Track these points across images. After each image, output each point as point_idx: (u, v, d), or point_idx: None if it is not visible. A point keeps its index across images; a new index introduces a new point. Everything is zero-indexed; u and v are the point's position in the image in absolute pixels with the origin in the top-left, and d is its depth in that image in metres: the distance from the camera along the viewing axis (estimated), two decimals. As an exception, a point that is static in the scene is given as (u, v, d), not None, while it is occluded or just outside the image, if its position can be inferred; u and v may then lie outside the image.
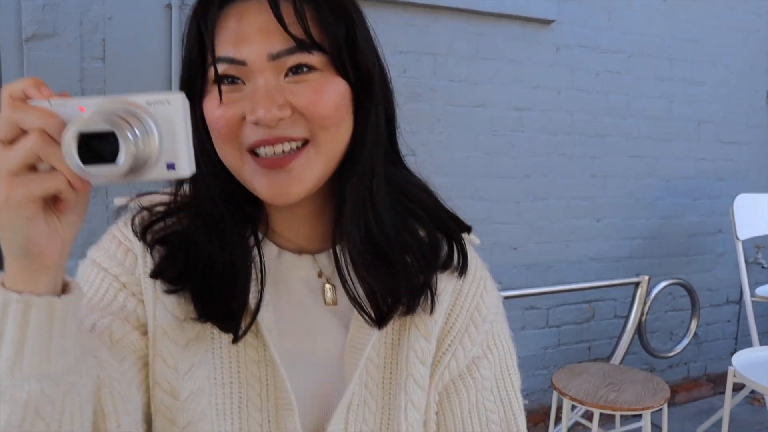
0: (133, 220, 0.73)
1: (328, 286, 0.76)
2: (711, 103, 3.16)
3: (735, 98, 3.22)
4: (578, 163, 2.84)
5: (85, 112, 0.47)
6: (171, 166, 0.49)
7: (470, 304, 0.79)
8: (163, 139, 0.48)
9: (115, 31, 2.00)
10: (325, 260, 0.76)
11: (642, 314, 2.66)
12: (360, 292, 0.72)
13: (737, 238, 2.61)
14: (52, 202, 0.50)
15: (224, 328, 0.69)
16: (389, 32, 2.32)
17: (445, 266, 0.77)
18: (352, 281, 0.72)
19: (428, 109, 2.49)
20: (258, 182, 0.66)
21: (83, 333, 0.60)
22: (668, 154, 3.06)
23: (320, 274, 0.76)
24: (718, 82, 3.16)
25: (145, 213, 0.73)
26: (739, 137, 3.27)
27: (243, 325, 0.69)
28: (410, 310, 0.73)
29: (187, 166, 0.49)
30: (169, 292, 0.69)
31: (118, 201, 0.75)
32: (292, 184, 0.65)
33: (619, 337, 2.66)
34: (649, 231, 3.07)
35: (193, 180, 0.71)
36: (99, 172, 0.45)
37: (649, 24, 2.94)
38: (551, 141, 2.76)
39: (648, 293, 2.69)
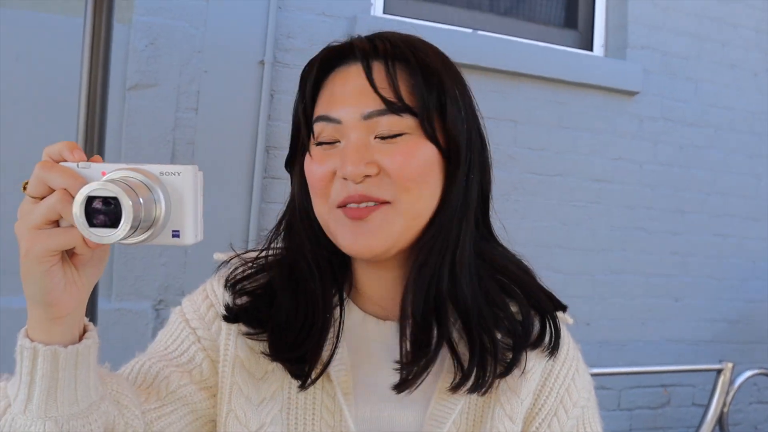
0: (228, 277, 0.76)
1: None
2: (804, 183, 3.01)
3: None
4: (658, 239, 2.75)
5: (105, 177, 0.51)
6: (176, 234, 0.53)
7: (560, 386, 0.76)
8: (170, 208, 0.52)
9: (210, 84, 2.10)
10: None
11: (724, 404, 2.48)
12: (447, 356, 0.71)
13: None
14: (70, 256, 0.54)
15: (292, 370, 0.70)
16: (471, 97, 2.33)
17: (536, 345, 0.74)
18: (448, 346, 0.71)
19: (506, 176, 2.48)
20: (342, 234, 0.68)
21: (108, 377, 0.64)
22: (756, 234, 2.93)
23: (406, 350, 0.74)
24: (812, 161, 3.02)
25: (241, 269, 0.76)
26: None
27: (313, 375, 0.70)
28: (504, 373, 0.72)
29: (191, 235, 0.53)
30: (247, 334, 0.72)
31: (218, 256, 0.79)
32: (371, 236, 0.67)
33: (699, 428, 2.48)
34: (733, 314, 2.91)
35: (289, 235, 0.75)
36: (101, 233, 0.49)
37: (737, 98, 2.86)
38: (631, 215, 2.69)
39: (731, 382, 2.51)
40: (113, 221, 0.49)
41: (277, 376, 0.72)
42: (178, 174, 0.53)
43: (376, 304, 0.76)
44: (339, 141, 0.69)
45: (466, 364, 0.70)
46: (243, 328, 0.72)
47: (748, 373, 2.61)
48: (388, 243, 0.68)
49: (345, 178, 0.66)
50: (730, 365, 2.51)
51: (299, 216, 0.74)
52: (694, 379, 2.83)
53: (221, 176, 2.11)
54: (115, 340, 1.95)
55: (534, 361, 0.74)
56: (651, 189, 2.72)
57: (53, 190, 0.51)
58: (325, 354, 0.70)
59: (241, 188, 2.12)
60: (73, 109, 1.34)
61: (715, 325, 2.88)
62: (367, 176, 0.66)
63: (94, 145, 1.28)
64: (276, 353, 0.70)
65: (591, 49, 2.77)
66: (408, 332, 0.70)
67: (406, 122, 0.67)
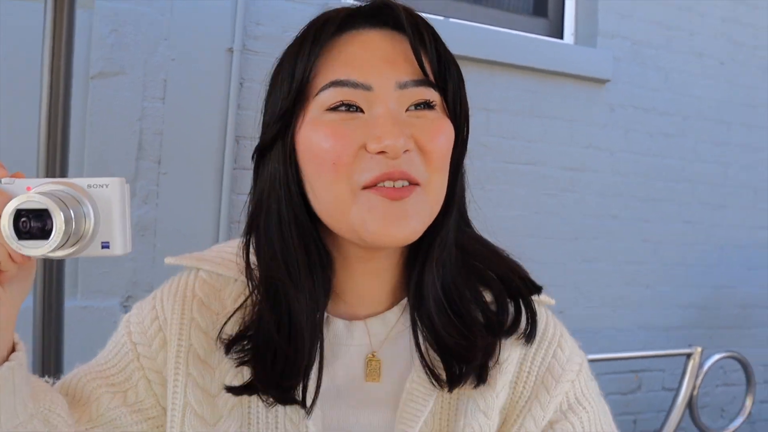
0: (184, 288, 0.72)
1: (372, 360, 0.71)
2: (768, 169, 3.07)
3: (793, 166, 3.13)
4: (629, 227, 2.77)
5: (30, 191, 0.51)
6: (105, 245, 0.53)
7: (539, 367, 0.71)
8: (99, 220, 0.52)
9: (177, 72, 2.04)
10: (378, 325, 0.71)
11: (694, 388, 2.53)
12: (431, 352, 0.67)
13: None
14: None
15: (283, 400, 0.65)
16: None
17: (510, 332, 0.70)
18: (424, 339, 0.68)
19: (479, 165, 2.46)
20: (373, 218, 0.60)
21: (42, 393, 0.61)
22: (723, 221, 2.98)
23: (370, 352, 0.71)
24: (776, 149, 3.09)
25: (202, 284, 0.72)
26: (797, 207, 3.16)
27: (299, 396, 0.66)
28: (481, 379, 0.67)
29: (121, 246, 0.54)
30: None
31: (169, 260, 0.75)
32: (409, 219, 0.61)
33: (669, 411, 2.53)
34: (702, 300, 2.96)
35: (267, 235, 0.67)
36: (32, 246, 0.49)
37: (706, 87, 2.90)
38: (602, 203, 2.71)
39: (700, 365, 2.56)
40: (43, 234, 0.49)
41: None
42: (106, 186, 0.53)
43: (345, 304, 0.71)
44: (361, 110, 0.62)
45: (435, 362, 0.67)
46: (196, 351, 0.69)
47: (716, 357, 2.66)
48: (421, 226, 0.63)
49: (382, 152, 0.59)
50: (699, 350, 2.56)
51: (286, 208, 0.65)
52: (664, 364, 2.87)
53: (190, 167, 2.05)
54: (82, 339, 1.89)
55: (509, 350, 0.70)
56: (623, 177, 2.74)
57: None
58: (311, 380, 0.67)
59: (210, 179, 2.07)
60: (34, 99, 1.28)
61: (685, 311, 2.93)
62: (405, 151, 0.60)
63: (58, 137, 1.22)
64: (265, 388, 0.65)
65: (561, 37, 2.77)
66: (422, 318, 0.67)
67: (435, 96, 0.64)
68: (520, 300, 0.72)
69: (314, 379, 0.66)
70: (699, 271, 2.94)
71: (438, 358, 0.67)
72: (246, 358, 0.66)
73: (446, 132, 0.64)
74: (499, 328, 0.69)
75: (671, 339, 2.87)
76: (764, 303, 3.12)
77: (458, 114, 0.67)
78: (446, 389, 0.67)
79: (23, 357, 0.57)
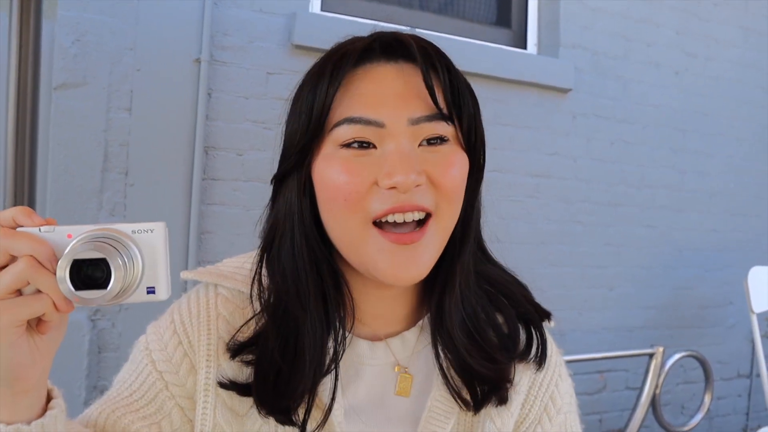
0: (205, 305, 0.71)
1: (403, 375, 0.72)
2: (721, 174, 3.19)
3: (744, 171, 3.26)
4: (593, 232, 2.83)
5: (73, 239, 0.49)
6: (151, 290, 0.52)
7: (545, 393, 0.75)
8: (145, 266, 0.51)
9: (143, 83, 2.02)
10: (398, 344, 0.73)
11: (656, 387, 2.60)
12: (453, 373, 0.69)
13: (752, 311, 2.58)
14: (36, 324, 0.51)
15: (284, 421, 0.66)
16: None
17: (523, 356, 0.73)
18: (448, 363, 0.70)
19: (447, 172, 2.48)
20: (382, 260, 0.63)
21: None
22: (681, 224, 3.07)
23: (396, 365, 0.73)
24: (729, 154, 3.20)
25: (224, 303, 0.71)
26: (749, 209, 3.29)
27: (316, 421, 0.67)
28: (502, 399, 0.70)
29: (165, 291, 0.53)
30: (225, 387, 0.68)
31: (186, 275, 0.73)
32: (418, 262, 0.63)
33: (633, 410, 2.59)
34: (662, 301, 3.05)
35: (279, 261, 0.68)
36: (89, 296, 0.47)
37: (662, 96, 2.99)
38: (567, 209, 2.77)
39: (662, 365, 2.63)
40: (99, 282, 0.48)
41: None
42: (151, 231, 0.52)
43: (366, 326, 0.73)
44: (374, 146, 0.63)
45: (458, 383, 0.69)
46: (224, 373, 0.68)
47: (677, 356, 2.74)
48: (429, 265, 0.65)
49: (392, 188, 0.61)
50: (660, 349, 2.63)
51: (299, 236, 0.66)
52: (627, 364, 2.94)
53: (158, 178, 2.03)
54: (48, 353, 1.85)
55: (521, 373, 0.73)
56: (586, 183, 2.80)
57: (14, 258, 0.48)
58: (323, 393, 0.67)
59: (179, 190, 2.05)
60: (0, 111, 1.26)
61: (647, 312, 3.00)
62: (417, 186, 0.62)
63: (26, 151, 1.21)
64: (269, 410, 0.65)
65: (525, 48, 2.83)
66: (445, 343, 0.69)
67: (448, 130, 0.65)
68: (532, 326, 0.75)
69: (324, 401, 0.67)
70: (659, 273, 3.03)
71: (460, 380, 0.70)
72: (250, 363, 0.67)
73: (459, 164, 0.65)
74: (513, 351, 0.72)
75: (634, 339, 2.94)
76: (720, 303, 3.23)
77: (473, 144, 0.68)
78: (471, 411, 0.70)
79: (62, 403, 0.56)
